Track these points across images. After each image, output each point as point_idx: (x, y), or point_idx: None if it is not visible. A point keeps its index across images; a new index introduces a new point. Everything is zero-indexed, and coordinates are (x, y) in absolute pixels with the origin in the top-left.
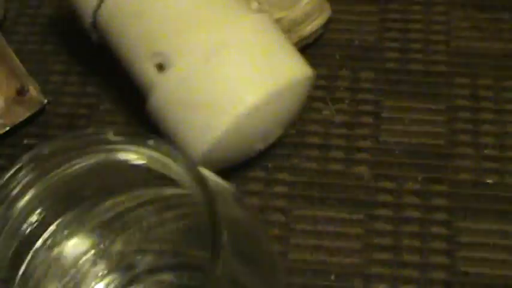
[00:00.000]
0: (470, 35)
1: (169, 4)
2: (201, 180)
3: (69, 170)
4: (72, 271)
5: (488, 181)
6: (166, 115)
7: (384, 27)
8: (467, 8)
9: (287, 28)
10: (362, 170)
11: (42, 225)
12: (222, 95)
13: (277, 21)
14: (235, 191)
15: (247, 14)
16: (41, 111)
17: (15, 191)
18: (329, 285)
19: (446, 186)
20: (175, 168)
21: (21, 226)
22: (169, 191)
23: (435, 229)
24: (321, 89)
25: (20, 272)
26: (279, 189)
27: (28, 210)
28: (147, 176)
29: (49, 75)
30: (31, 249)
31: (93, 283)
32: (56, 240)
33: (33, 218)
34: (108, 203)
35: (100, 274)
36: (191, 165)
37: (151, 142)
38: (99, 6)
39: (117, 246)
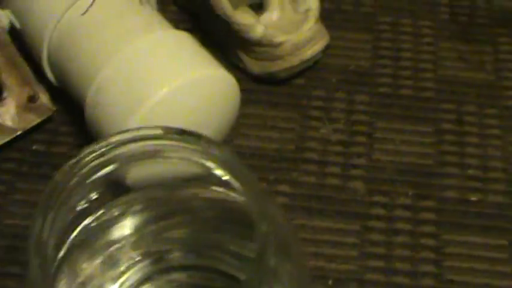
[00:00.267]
0: (455, 65)
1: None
2: (251, 178)
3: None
4: (111, 250)
5: (473, 198)
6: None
7: (377, 54)
8: (453, 40)
9: (290, 51)
10: (357, 185)
11: (97, 204)
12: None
13: (281, 44)
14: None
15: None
16: (50, 118)
17: (91, 165)
18: None
19: (434, 202)
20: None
21: (82, 200)
22: (212, 192)
23: (424, 240)
24: (318, 110)
25: (68, 242)
26: (280, 200)
27: (91, 187)
28: (198, 173)
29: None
30: (81, 223)
31: (110, 283)
32: (104, 220)
33: (93, 195)
34: (158, 194)
35: (115, 275)
36: (236, 161)
37: (198, 139)
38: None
39: (131, 248)
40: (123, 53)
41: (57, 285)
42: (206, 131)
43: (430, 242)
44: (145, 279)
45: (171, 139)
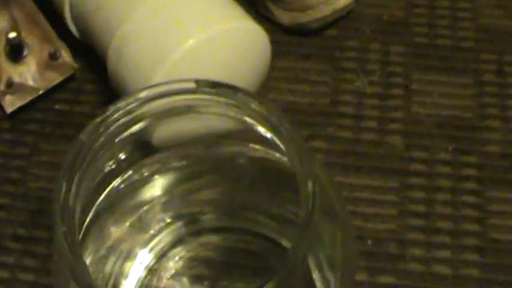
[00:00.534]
0: (495, 13)
1: None
2: (295, 135)
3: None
4: (140, 212)
5: None
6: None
7: (412, 4)
8: None
9: (321, 0)
10: (395, 139)
11: (125, 164)
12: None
13: None
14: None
15: None
16: (72, 77)
17: (118, 123)
18: (366, 250)
19: (475, 157)
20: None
21: (109, 161)
22: (250, 149)
23: (466, 198)
24: (352, 61)
25: (95, 206)
26: (316, 157)
27: (119, 147)
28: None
29: (79, 40)
30: (109, 185)
31: (140, 246)
32: (133, 180)
33: (121, 155)
34: (190, 152)
35: (147, 238)
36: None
37: (235, 92)
38: None
39: (163, 209)
40: (149, 3)
41: (85, 250)
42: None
43: (472, 199)
44: (177, 242)
45: (205, 93)
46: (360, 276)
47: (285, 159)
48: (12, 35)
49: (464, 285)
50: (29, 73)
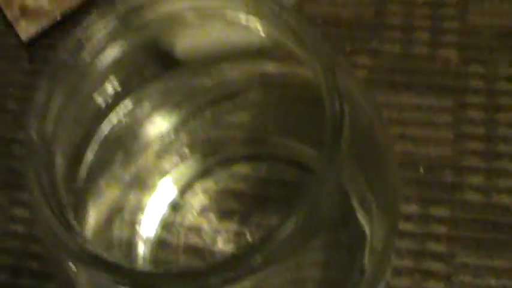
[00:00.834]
0: None
1: None
2: (321, 47)
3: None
4: (140, 163)
5: None
6: None
7: None
8: None
9: None
10: (449, 53)
11: (119, 97)
12: None
13: None
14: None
15: None
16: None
17: (94, 41)
18: (418, 178)
19: None
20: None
21: (93, 95)
22: (248, 67)
23: None
24: None
25: (88, 157)
26: (360, 73)
27: (105, 75)
28: (250, 44)
29: None
30: (101, 124)
31: (162, 177)
32: (135, 115)
33: (108, 88)
34: (201, 73)
35: (169, 166)
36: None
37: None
38: None
39: (187, 135)
40: None
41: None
42: None
43: None
44: (202, 173)
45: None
46: (411, 208)
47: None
48: None
49: None
50: None
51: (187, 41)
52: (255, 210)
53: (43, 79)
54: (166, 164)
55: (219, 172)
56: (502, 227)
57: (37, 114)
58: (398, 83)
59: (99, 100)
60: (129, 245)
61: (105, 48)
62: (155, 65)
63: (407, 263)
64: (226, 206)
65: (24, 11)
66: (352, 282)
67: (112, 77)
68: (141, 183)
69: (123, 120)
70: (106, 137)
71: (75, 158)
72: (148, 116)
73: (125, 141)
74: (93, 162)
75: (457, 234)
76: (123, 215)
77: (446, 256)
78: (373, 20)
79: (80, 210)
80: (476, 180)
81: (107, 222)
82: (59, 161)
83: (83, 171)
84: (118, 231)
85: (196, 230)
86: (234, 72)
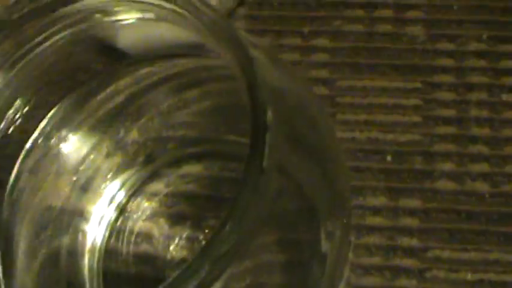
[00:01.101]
0: None
1: None
2: (236, 39)
3: (53, 40)
4: (81, 169)
5: None
6: None
7: None
8: None
9: None
10: (416, 30)
11: (29, 121)
12: None
13: None
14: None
15: None
16: None
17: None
18: (386, 168)
19: None
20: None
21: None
22: (190, 62)
23: (506, 96)
24: None
25: (10, 183)
26: (319, 57)
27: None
28: (161, 43)
29: None
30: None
31: (106, 181)
32: (52, 137)
33: (12, 112)
34: (117, 85)
35: (115, 169)
36: (221, 22)
37: None
38: None
39: (133, 135)
40: None
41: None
42: None
43: None
44: (151, 176)
45: None
46: (379, 200)
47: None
48: None
49: (507, 204)
50: None
51: (129, 34)
52: (208, 212)
53: None
54: (112, 166)
55: (168, 173)
56: (477, 216)
57: None
58: (362, 64)
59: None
60: (74, 256)
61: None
62: (100, 60)
63: (376, 260)
64: (178, 209)
65: None
66: (314, 280)
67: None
68: (85, 188)
69: (40, 144)
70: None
71: None
72: (69, 137)
73: None
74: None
75: (429, 226)
76: (63, 224)
77: (418, 250)
78: None
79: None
80: (448, 166)
81: (44, 237)
82: None
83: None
84: (57, 242)
85: (147, 236)
86: (181, 68)
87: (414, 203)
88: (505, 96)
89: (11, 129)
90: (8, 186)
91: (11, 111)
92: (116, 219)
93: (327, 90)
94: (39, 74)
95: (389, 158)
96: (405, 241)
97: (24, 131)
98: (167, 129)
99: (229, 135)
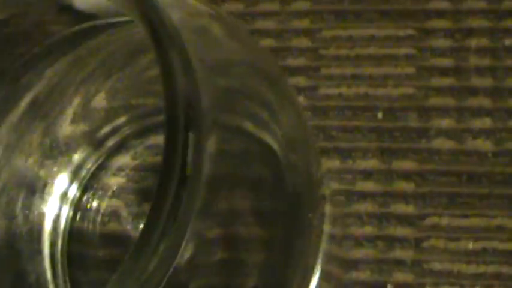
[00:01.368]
0: None
1: None
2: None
3: None
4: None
5: None
6: None
7: None
8: None
9: None
10: None
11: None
12: None
13: None
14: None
15: None
16: None
17: None
18: (377, 126)
19: None
20: None
21: None
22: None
23: (509, 41)
24: None
25: None
26: (300, 5)
27: None
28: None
29: None
30: None
31: (68, 153)
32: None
33: None
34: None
35: (77, 140)
36: None
37: None
38: None
39: (98, 102)
40: None
41: None
42: None
43: None
44: (117, 148)
45: None
46: (370, 163)
47: None
48: None
49: None
50: None
51: None
52: None
53: None
54: (74, 136)
55: (135, 145)
56: (479, 178)
57: None
58: (346, 11)
59: None
60: (38, 239)
61: None
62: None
63: (368, 229)
64: (147, 184)
65: None
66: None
67: None
68: (48, 158)
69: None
70: None
71: None
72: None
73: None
74: None
75: (426, 190)
76: (16, 204)
77: (414, 218)
78: None
79: None
80: (446, 123)
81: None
82: None
83: None
84: (21, 224)
85: (114, 214)
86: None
87: (409, 165)
88: (508, 42)
89: None
90: None
91: None
92: (80, 198)
93: (309, 42)
94: None
95: (380, 115)
96: (400, 208)
97: None
98: (135, 97)
99: None
